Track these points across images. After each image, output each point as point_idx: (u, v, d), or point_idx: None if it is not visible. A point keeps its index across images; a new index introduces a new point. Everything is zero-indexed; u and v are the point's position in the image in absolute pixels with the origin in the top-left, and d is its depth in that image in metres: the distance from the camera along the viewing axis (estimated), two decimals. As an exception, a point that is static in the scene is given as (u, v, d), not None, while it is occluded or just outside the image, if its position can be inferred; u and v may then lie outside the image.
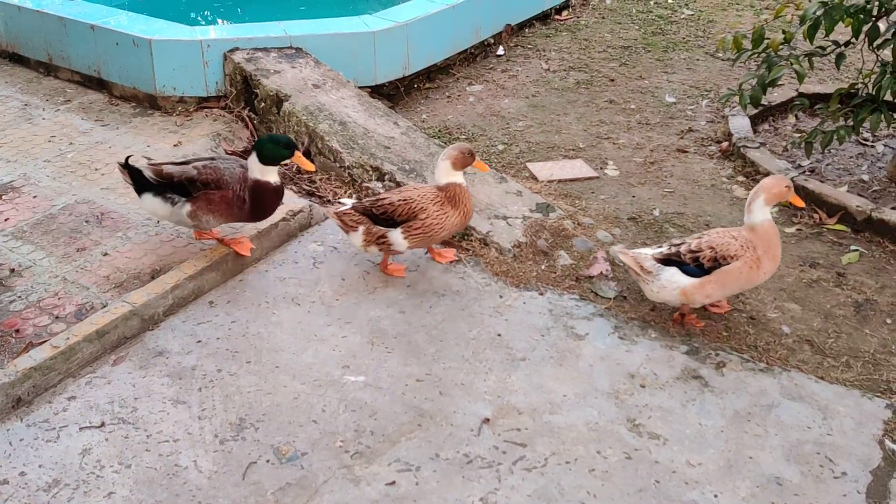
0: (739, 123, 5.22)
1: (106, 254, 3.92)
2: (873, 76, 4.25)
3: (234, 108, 5.25)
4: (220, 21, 6.98)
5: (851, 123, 4.40)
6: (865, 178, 4.82)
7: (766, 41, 4.34)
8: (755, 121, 5.38)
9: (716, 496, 2.84)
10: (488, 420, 3.12)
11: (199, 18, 6.92)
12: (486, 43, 6.49)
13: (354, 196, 4.44)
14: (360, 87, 5.33)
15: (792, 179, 4.60)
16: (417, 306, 3.71)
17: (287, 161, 3.69)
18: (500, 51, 6.51)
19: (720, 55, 6.34)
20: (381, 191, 4.37)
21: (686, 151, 5.13)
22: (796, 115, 5.51)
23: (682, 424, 3.13)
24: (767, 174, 4.73)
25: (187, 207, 3.67)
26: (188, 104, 5.29)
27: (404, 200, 3.73)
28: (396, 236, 3.73)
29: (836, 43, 4.41)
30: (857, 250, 4.19)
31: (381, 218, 3.75)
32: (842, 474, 2.93)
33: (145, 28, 5.31)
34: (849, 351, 3.54)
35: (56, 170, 4.62)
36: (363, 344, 3.49)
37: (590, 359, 3.44)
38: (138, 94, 5.37)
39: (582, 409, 3.18)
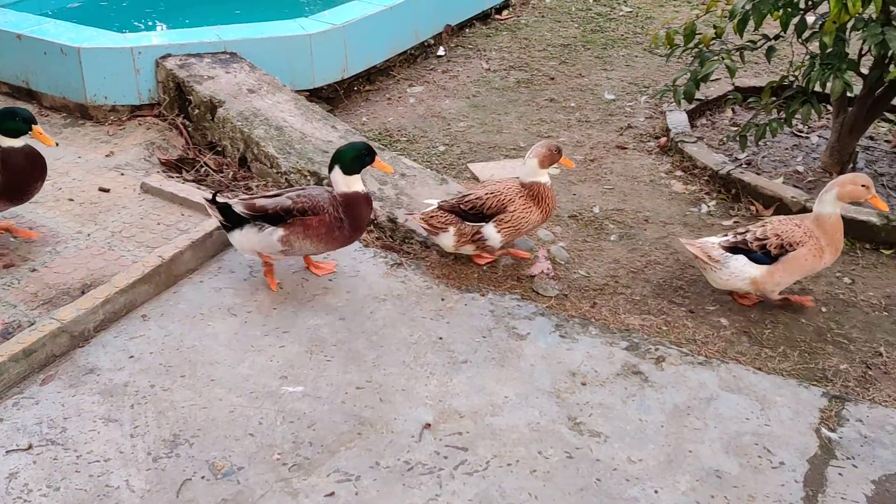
0: (677, 119, 5.27)
1: (34, 270, 3.80)
2: (803, 68, 4.31)
3: (168, 116, 5.13)
4: (152, 27, 6.83)
5: (784, 116, 4.46)
6: (800, 169, 4.89)
7: (697, 36, 4.39)
8: (693, 115, 5.44)
9: (656, 492, 2.84)
10: (429, 425, 3.09)
11: (131, 25, 6.76)
12: (426, 44, 6.46)
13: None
14: (297, 91, 5.25)
15: (728, 172, 4.66)
16: (357, 312, 3.66)
17: (369, 166, 3.64)
18: (441, 51, 6.49)
19: (658, 51, 6.40)
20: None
21: (625, 148, 5.16)
22: (733, 109, 5.59)
23: (622, 421, 3.13)
24: (705, 168, 4.79)
25: (279, 233, 3.57)
26: (120, 113, 5.16)
27: (492, 193, 3.75)
28: (491, 231, 3.75)
29: (765, 37, 4.47)
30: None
31: (471, 214, 3.75)
32: (780, 464, 2.96)
33: (74, 36, 5.16)
34: (785, 341, 3.58)
35: (-19, 184, 4.47)
36: (302, 353, 3.43)
37: (531, 358, 3.43)
38: (69, 105, 5.23)
39: (523, 410, 3.17)
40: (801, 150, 5.11)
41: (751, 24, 4.18)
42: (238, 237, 3.66)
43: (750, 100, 4.70)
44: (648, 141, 5.24)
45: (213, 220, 3.87)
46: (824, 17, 4.18)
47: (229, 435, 3.03)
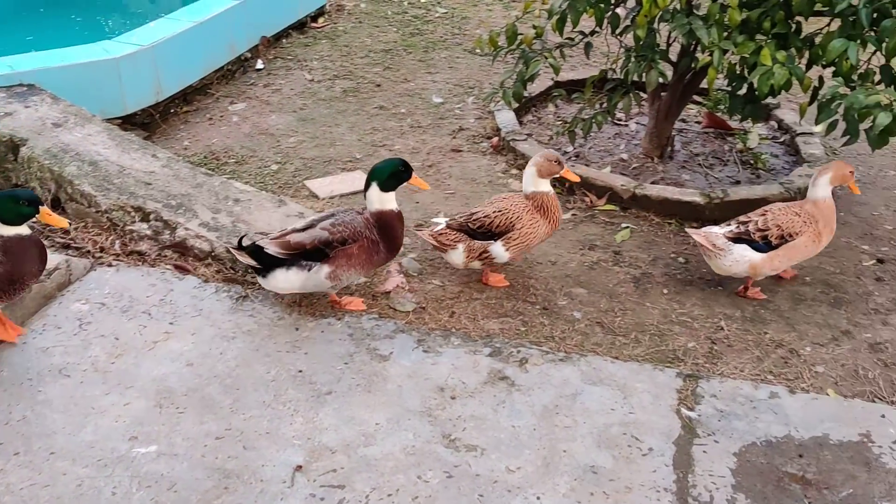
0: (505, 118, 5.35)
1: None
2: (620, 61, 4.49)
3: (-39, 160, 4.60)
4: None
5: (607, 108, 4.63)
6: (625, 156, 5.11)
7: (519, 37, 4.46)
8: (519, 113, 5.55)
9: (538, 498, 2.84)
10: (301, 467, 2.93)
11: None
12: (243, 58, 6.20)
13: (160, 238, 4.01)
14: (109, 120, 4.87)
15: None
16: (206, 355, 3.42)
17: (406, 182, 3.60)
18: (260, 64, 6.25)
19: (479, 52, 6.49)
20: (166, 232, 4.00)
21: (460, 151, 5.18)
22: (555, 104, 5.75)
23: (496, 430, 3.11)
24: (539, 164, 4.89)
25: (325, 270, 3.48)
26: None
27: (500, 212, 3.77)
28: (498, 249, 3.77)
29: (582, 33, 4.61)
30: (627, 227, 4.42)
31: (479, 232, 3.76)
32: (649, 451, 3.05)
33: None
34: (635, 326, 3.71)
35: None
36: (150, 408, 3.15)
37: (398, 379, 3.34)
38: None
39: (397, 435, 3.08)
40: (622, 139, 5.34)
41: (568, 22, 4.29)
42: (279, 280, 3.52)
43: (573, 95, 4.85)
44: (481, 142, 5.29)
45: (30, 274, 3.49)
46: (634, 10, 4.37)
47: (79, 513, 2.73)
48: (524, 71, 4.38)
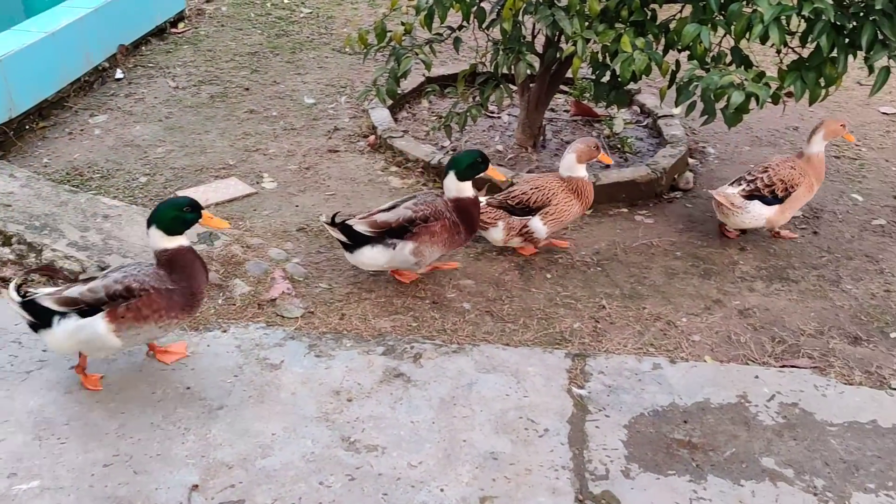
0: (380, 115, 5.34)
1: None
2: (489, 55, 4.56)
3: None
4: None
5: (480, 101, 4.70)
6: (500, 148, 5.20)
7: (389, 34, 4.46)
8: (394, 110, 5.56)
9: (442, 490, 2.87)
10: (197, 486, 2.83)
11: None
12: (100, 68, 5.92)
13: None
14: (-44, 141, 4.54)
15: (439, 161, 4.82)
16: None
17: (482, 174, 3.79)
18: (119, 74, 5.98)
19: (349, 51, 6.44)
20: (31, 255, 3.77)
21: (337, 151, 5.13)
22: (430, 100, 5.79)
23: (395, 428, 3.11)
24: (417, 161, 4.91)
25: (409, 246, 3.65)
26: None
27: (537, 188, 3.98)
28: (537, 223, 3.99)
29: (451, 28, 4.66)
30: (509, 216, 4.50)
31: (518, 208, 3.98)
32: (545, 431, 3.13)
33: None
34: (523, 312, 3.79)
35: None
36: (29, 442, 2.97)
37: (291, 387, 3.28)
38: None
39: (295, 443, 3.03)
40: (496, 131, 5.43)
41: (437, 18, 4.33)
42: (364, 256, 3.68)
43: (447, 90, 4.90)
44: (358, 141, 5.26)
45: None
46: (499, 4, 4.45)
47: (-44, 563, 2.55)
48: (396, 68, 4.39)
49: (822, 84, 3.93)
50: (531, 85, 5.01)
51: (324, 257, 4.08)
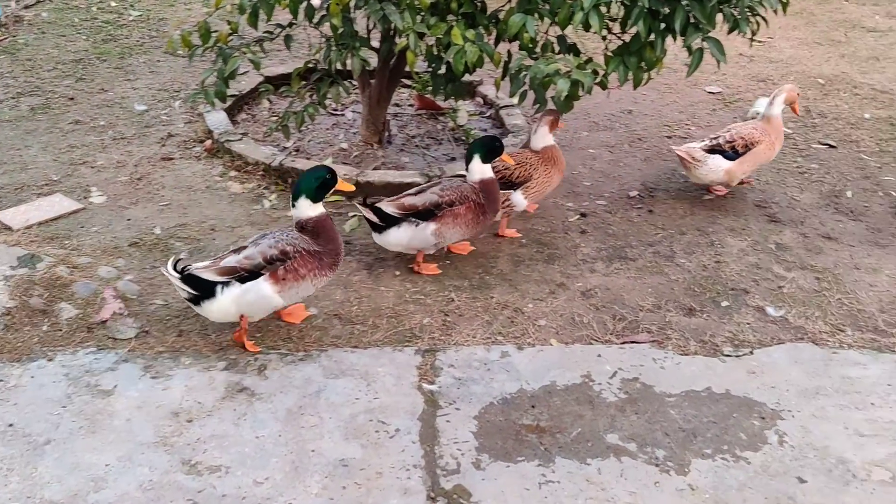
0: (217, 119, 5.14)
1: None
2: (322, 51, 4.46)
3: None
4: None
5: (317, 99, 4.60)
6: (345, 146, 5.12)
7: (214, 34, 4.28)
8: (232, 112, 5.37)
9: (291, 504, 2.78)
10: (21, 531, 2.62)
11: None
12: None
13: None
14: None
15: (280, 163, 4.69)
16: None
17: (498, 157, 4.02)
18: (-75, 89, 5.48)
19: (181, 53, 6.15)
20: None
21: (172, 159, 4.90)
22: (269, 100, 5.63)
23: (239, 445, 2.99)
24: (257, 164, 4.76)
25: (431, 227, 3.86)
26: None
27: (520, 164, 4.18)
28: (518, 197, 4.20)
29: (280, 26, 4.53)
30: (354, 216, 4.43)
31: (501, 183, 4.09)
32: (396, 432, 3.09)
33: None
34: (372, 312, 3.74)
35: None
36: None
37: (125, 413, 3.09)
38: None
39: (131, 472, 2.85)
40: (340, 128, 5.35)
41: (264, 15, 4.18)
42: (390, 237, 3.87)
43: (282, 89, 4.76)
44: (194, 146, 5.04)
45: None
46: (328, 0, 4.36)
47: None
48: (224, 69, 4.22)
49: (645, 67, 4.07)
50: (371, 81, 4.96)
51: (158, 272, 3.88)
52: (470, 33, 4.00)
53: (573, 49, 4.39)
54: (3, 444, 2.93)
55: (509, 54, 4.45)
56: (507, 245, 4.29)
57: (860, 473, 2.98)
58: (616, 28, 4.19)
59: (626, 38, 4.22)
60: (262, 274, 3.32)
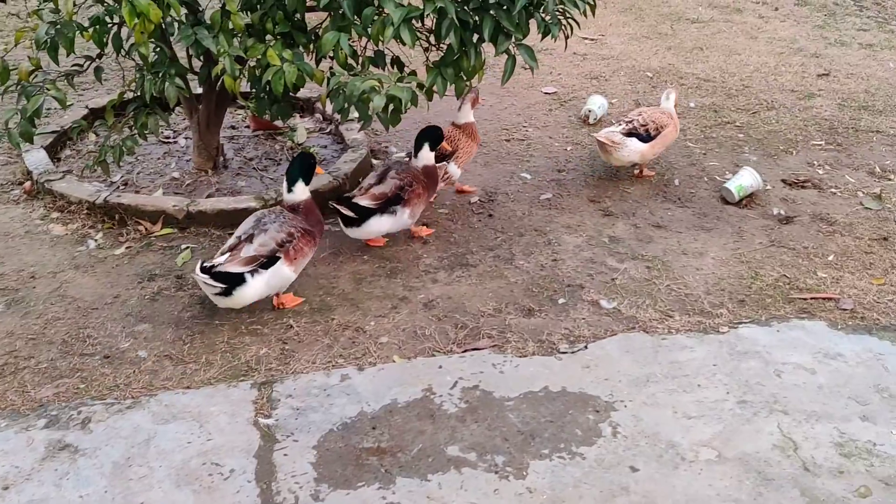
0: (36, 158, 4.86)
1: None
2: (137, 81, 4.29)
3: None
4: None
5: (136, 131, 4.41)
6: (177, 175, 4.94)
7: (13, 70, 4.04)
8: (54, 149, 5.10)
9: (118, 564, 2.63)
10: None
11: None
12: None
13: None
14: None
15: (105, 200, 4.48)
16: None
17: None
18: None
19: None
20: None
21: (-14, 205, 4.59)
22: (96, 133, 5.38)
23: (60, 508, 2.82)
24: (80, 202, 4.53)
25: (407, 210, 4.19)
26: None
27: (449, 138, 4.58)
28: (453, 168, 4.64)
29: (90, 58, 4.33)
30: (187, 248, 4.28)
31: (438, 157, 4.45)
32: (230, 472, 2.98)
33: None
34: (206, 349, 3.61)
35: None
36: None
37: (-69, 489, 2.86)
38: None
39: (-64, 555, 2.64)
40: (172, 157, 5.16)
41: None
42: (372, 226, 4.15)
43: (96, 123, 4.54)
44: (12, 189, 4.75)
45: None
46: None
47: None
48: (28, 107, 3.98)
49: (464, 77, 4.11)
50: (200, 106, 4.81)
51: (-31, 331, 3.63)
52: (287, 53, 3.93)
53: (397, 63, 4.39)
54: None
55: (332, 72, 4.40)
56: (348, 263, 4.24)
57: (688, 455, 3.10)
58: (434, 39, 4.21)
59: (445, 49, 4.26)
60: (279, 257, 3.68)
